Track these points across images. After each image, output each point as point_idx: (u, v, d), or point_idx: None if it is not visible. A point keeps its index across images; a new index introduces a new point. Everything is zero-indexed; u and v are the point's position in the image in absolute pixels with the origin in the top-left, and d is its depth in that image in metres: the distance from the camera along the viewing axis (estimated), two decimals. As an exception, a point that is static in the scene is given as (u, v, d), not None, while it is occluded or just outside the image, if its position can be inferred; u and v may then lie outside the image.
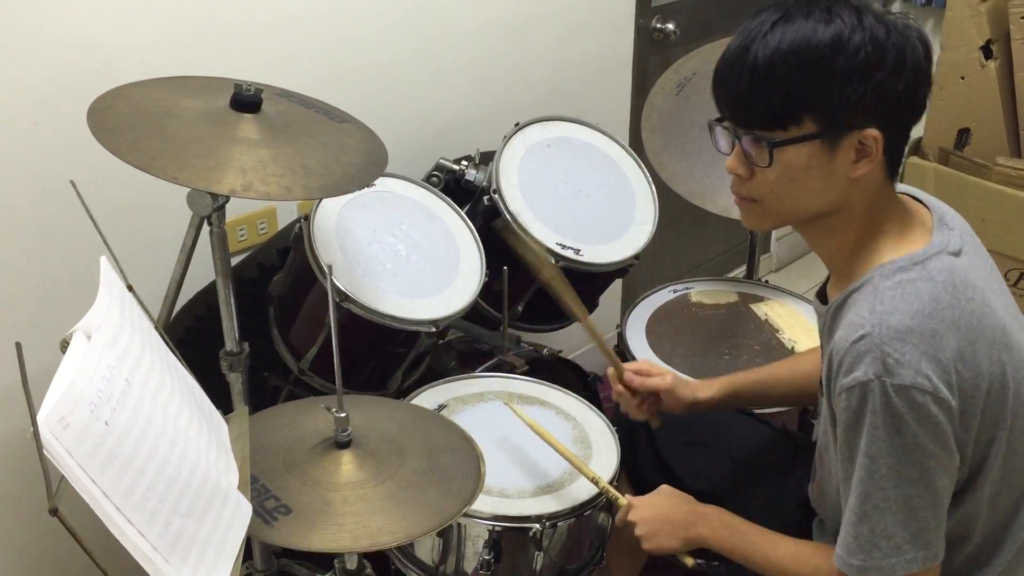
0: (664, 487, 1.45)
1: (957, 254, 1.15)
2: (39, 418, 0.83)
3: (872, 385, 1.07)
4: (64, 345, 0.95)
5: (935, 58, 1.20)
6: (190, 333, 1.80)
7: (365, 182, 1.42)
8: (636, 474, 1.72)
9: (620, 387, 1.61)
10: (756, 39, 1.11)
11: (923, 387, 1.06)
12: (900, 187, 1.22)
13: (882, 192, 1.18)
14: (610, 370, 1.62)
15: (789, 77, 1.09)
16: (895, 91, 1.09)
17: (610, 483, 1.51)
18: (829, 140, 1.11)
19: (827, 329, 1.23)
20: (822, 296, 1.30)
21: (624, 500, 1.45)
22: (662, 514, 1.40)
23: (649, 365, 1.61)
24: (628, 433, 1.67)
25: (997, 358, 1.12)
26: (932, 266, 1.13)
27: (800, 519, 1.50)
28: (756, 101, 1.12)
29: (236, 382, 1.57)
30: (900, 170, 1.21)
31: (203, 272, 1.65)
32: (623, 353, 1.94)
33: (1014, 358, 1.14)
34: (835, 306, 1.20)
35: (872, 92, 1.08)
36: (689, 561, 1.40)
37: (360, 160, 1.43)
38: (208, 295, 1.79)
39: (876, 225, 1.18)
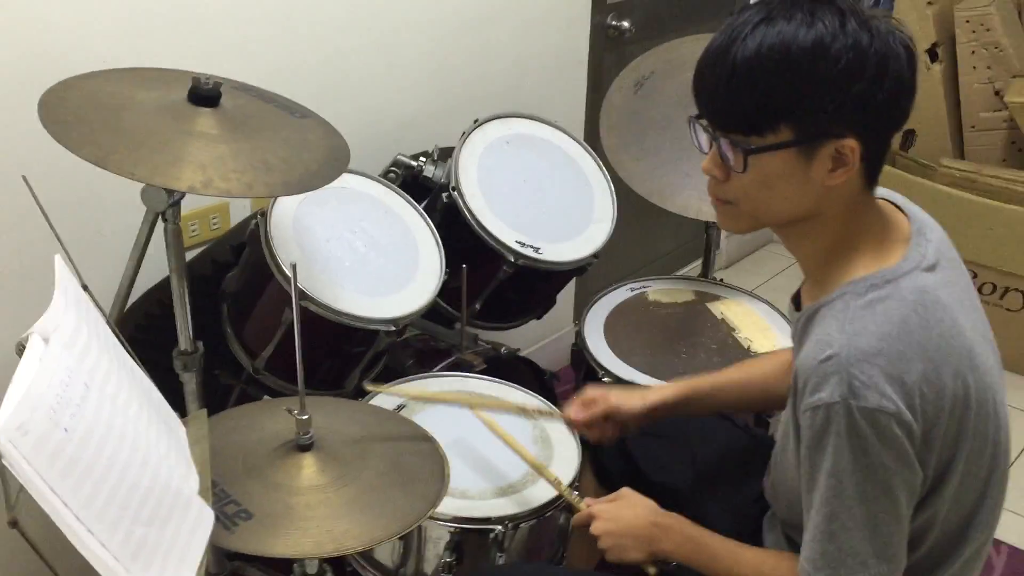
0: (625, 491, 1.43)
1: (931, 269, 1.15)
2: (-4, 425, 0.80)
3: (837, 407, 1.07)
4: (20, 348, 0.91)
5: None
6: (141, 331, 1.75)
7: (328, 179, 1.39)
8: (599, 463, 1.72)
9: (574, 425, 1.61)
10: (737, 40, 1.08)
11: (887, 409, 1.06)
12: (881, 191, 1.21)
13: (859, 201, 1.17)
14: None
15: (767, 83, 1.08)
16: (874, 101, 1.08)
17: (572, 483, 1.51)
18: (805, 148, 1.10)
19: (798, 337, 1.23)
20: (797, 301, 1.31)
21: (584, 505, 1.44)
22: (625, 527, 1.38)
23: (590, 393, 1.60)
24: (586, 441, 1.66)
25: (962, 380, 1.12)
26: (904, 285, 1.12)
27: (755, 513, 1.51)
28: (733, 105, 1.11)
29: (190, 382, 1.53)
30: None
31: (154, 268, 1.61)
32: (582, 352, 1.94)
33: (978, 379, 1.14)
34: (806, 316, 1.20)
35: (851, 102, 1.07)
36: (652, 571, 1.39)
37: (322, 157, 1.41)
38: (159, 292, 1.75)
39: (852, 234, 1.18)
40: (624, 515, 1.39)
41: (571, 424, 1.60)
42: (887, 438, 1.07)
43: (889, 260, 1.15)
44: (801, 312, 1.23)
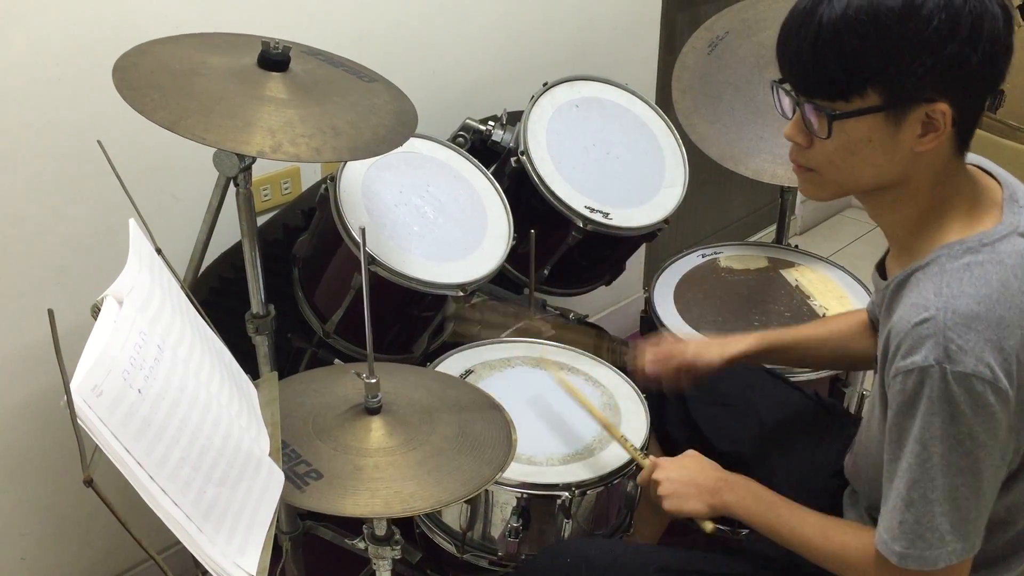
0: (691, 451, 1.42)
1: None
2: (72, 386, 0.81)
3: (932, 371, 1.03)
4: (95, 310, 0.93)
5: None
6: (214, 294, 1.79)
7: (395, 144, 1.38)
8: (664, 431, 1.71)
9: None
10: (824, 1, 1.04)
11: (983, 376, 1.02)
12: (970, 157, 1.16)
13: (949, 166, 1.12)
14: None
15: (854, 46, 1.03)
16: (968, 64, 1.02)
17: (640, 448, 1.50)
18: (894, 114, 1.06)
19: (886, 306, 1.18)
20: (881, 270, 1.26)
21: (647, 461, 1.43)
22: (689, 476, 1.37)
23: (666, 347, 1.58)
24: (658, 391, 1.65)
25: None
26: (1002, 248, 1.08)
27: (831, 488, 1.48)
28: (818, 69, 1.07)
29: (262, 345, 1.55)
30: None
31: (227, 232, 1.63)
32: (651, 319, 1.91)
33: None
34: (896, 283, 1.15)
35: (943, 65, 1.02)
36: (709, 526, 1.37)
37: (390, 121, 1.40)
38: (233, 256, 1.78)
39: (942, 200, 1.13)
40: (690, 465, 1.39)
41: (642, 376, 1.59)
42: (980, 407, 1.04)
43: (983, 225, 1.11)
44: (889, 280, 1.19)
